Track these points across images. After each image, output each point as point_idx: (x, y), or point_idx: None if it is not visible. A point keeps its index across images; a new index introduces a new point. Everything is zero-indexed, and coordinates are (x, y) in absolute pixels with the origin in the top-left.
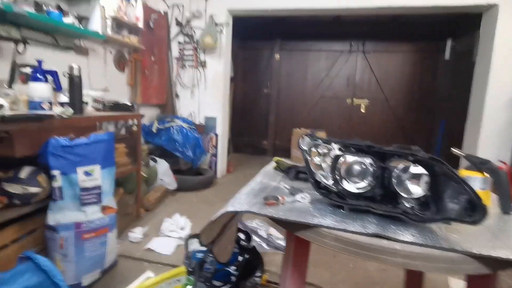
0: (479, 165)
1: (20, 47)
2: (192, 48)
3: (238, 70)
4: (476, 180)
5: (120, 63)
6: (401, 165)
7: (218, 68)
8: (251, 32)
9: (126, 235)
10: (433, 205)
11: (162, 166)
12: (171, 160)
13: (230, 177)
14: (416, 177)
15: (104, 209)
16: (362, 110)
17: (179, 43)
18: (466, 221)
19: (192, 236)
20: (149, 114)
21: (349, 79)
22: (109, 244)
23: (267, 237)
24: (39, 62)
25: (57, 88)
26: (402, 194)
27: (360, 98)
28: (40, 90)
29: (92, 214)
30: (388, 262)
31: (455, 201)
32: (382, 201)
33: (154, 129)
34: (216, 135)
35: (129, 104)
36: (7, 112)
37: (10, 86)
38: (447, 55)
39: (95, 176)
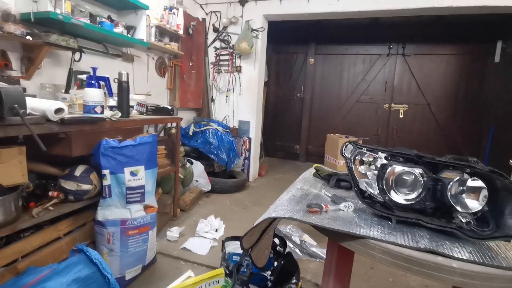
0: None
1: (77, 55)
2: (228, 54)
3: (271, 74)
4: None
5: (161, 69)
6: (457, 178)
7: (253, 73)
8: (285, 36)
9: (164, 234)
10: (492, 221)
11: (198, 168)
12: (206, 162)
13: (262, 180)
14: (473, 190)
15: (146, 208)
16: (401, 116)
17: (216, 48)
18: None
19: (229, 238)
20: (186, 118)
21: (387, 84)
22: (150, 242)
23: (301, 244)
24: (94, 69)
25: (109, 93)
26: (458, 208)
27: (398, 104)
28: (94, 95)
29: (136, 212)
30: (444, 280)
31: None
32: (433, 214)
33: (190, 132)
34: (250, 138)
35: (169, 107)
36: (66, 115)
37: (67, 91)
38: (497, 57)
39: (140, 176)
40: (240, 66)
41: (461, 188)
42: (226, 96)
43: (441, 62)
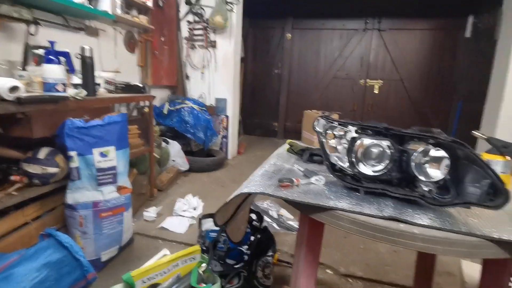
0: (502, 148)
1: (32, 28)
2: (202, 28)
3: (248, 50)
4: (498, 164)
5: (130, 44)
6: (421, 148)
7: (229, 48)
8: (261, 10)
9: (141, 214)
10: (453, 189)
11: (174, 148)
12: (183, 141)
13: (241, 158)
14: (436, 160)
15: (119, 189)
16: (376, 92)
17: (189, 22)
18: (488, 205)
19: (205, 216)
20: (160, 96)
21: (363, 59)
22: (125, 223)
23: (278, 218)
24: (52, 43)
25: (70, 69)
26: (421, 177)
27: (374, 79)
28: (54, 71)
29: (109, 193)
30: (407, 245)
31: (476, 185)
32: (399, 184)
33: (165, 111)
34: (227, 116)
35: (140, 85)
36: (22, 93)
37: (23, 68)
38: (467, 32)
39: (110, 157)
40: (215, 41)
41: (425, 158)
42: (202, 73)
43: (415, 37)
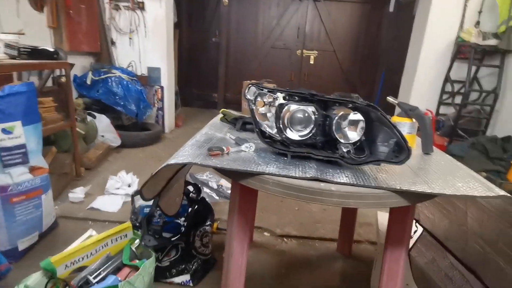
0: (408, 111)
1: None
2: None
3: (183, 15)
4: (406, 126)
5: (36, 1)
6: (341, 112)
7: (159, 11)
8: None
9: (66, 196)
10: (367, 149)
11: (102, 122)
12: (113, 115)
13: (179, 131)
14: (353, 123)
15: (32, 169)
16: (311, 62)
17: None
18: (393, 161)
19: (138, 192)
20: (81, 64)
21: (299, 29)
22: (45, 206)
23: (218, 188)
24: None
25: None
26: (341, 139)
27: (309, 50)
28: None
29: (19, 176)
30: (325, 202)
31: (385, 144)
32: (323, 147)
33: (88, 81)
34: (162, 87)
35: (51, 50)
36: None
37: None
38: (391, 7)
39: (17, 133)
40: (142, 3)
41: (344, 122)
42: (130, 38)
43: (346, 9)
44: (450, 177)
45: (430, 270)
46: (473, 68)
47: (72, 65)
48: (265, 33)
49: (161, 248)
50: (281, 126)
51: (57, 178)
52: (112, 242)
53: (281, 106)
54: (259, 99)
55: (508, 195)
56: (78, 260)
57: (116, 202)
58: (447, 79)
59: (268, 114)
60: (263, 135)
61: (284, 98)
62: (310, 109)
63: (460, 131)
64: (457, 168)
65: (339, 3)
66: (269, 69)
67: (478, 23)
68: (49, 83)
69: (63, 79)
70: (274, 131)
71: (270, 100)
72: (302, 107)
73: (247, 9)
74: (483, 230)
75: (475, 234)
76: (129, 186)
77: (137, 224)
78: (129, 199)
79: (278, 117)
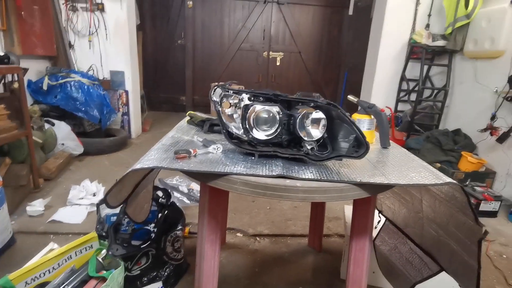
0: (367, 108)
1: None
2: None
3: (146, 17)
4: (365, 122)
5: None
6: (304, 111)
7: (120, 13)
8: None
9: (23, 210)
10: (329, 145)
11: (62, 129)
12: (73, 121)
13: (147, 136)
14: (316, 121)
15: None
16: (278, 63)
17: None
18: (353, 156)
19: (104, 200)
20: (36, 68)
21: (265, 31)
22: None
23: (188, 192)
24: None
25: None
26: (304, 137)
27: (275, 51)
28: None
29: None
30: (291, 198)
31: (346, 140)
32: (288, 146)
33: (44, 86)
34: (126, 91)
35: (1, 54)
36: None
37: None
38: (350, 10)
39: None
40: (102, 4)
41: (307, 120)
42: (89, 41)
43: (309, 12)
44: (404, 168)
45: (393, 256)
46: (425, 67)
47: (25, 70)
48: (231, 35)
49: (131, 257)
50: (247, 126)
51: (12, 191)
52: (76, 255)
53: (246, 107)
54: (225, 100)
55: (454, 181)
56: (40, 275)
57: (80, 213)
58: (403, 78)
59: (235, 115)
60: (230, 136)
61: (249, 99)
62: (275, 109)
63: (417, 126)
64: (411, 160)
65: (302, 6)
66: (236, 70)
67: (428, 25)
68: (0, 89)
69: (16, 85)
70: (241, 132)
71: (236, 101)
72: (267, 107)
73: (212, 12)
74: (436, 215)
75: (429, 220)
76: (94, 195)
77: (104, 234)
78: (94, 209)
79: (244, 117)
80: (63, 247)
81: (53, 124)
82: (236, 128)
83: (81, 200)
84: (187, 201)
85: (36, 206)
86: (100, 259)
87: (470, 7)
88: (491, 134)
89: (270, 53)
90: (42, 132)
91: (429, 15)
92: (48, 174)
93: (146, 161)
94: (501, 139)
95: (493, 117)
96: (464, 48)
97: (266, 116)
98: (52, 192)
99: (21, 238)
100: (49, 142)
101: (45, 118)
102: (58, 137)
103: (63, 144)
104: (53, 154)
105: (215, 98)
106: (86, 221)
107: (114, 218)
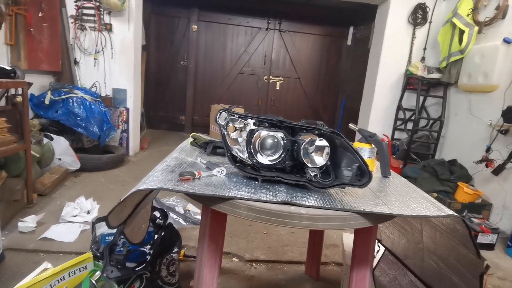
0: (368, 137)
1: None
2: (94, 7)
3: (151, 38)
4: (366, 151)
5: None
6: (308, 139)
7: (127, 34)
8: None
9: (15, 225)
10: (332, 173)
11: (60, 144)
12: (72, 137)
13: (144, 154)
14: (319, 149)
15: None
16: (277, 88)
17: None
18: (356, 185)
19: (100, 219)
20: (39, 83)
21: (266, 57)
22: None
23: (185, 213)
24: None
25: None
26: (308, 164)
27: (276, 76)
28: None
29: None
30: (295, 225)
31: (349, 168)
32: (292, 171)
33: (47, 101)
34: (127, 108)
35: (8, 68)
36: None
37: None
38: (349, 40)
39: None
40: (110, 24)
41: (311, 147)
42: (95, 59)
43: (309, 41)
44: (406, 198)
45: None
46: (421, 98)
47: (30, 84)
48: (233, 58)
49: (124, 280)
50: (252, 151)
51: (5, 205)
52: (70, 276)
53: (252, 131)
54: (230, 124)
55: (456, 214)
56: None
57: (72, 231)
58: (399, 107)
59: (239, 139)
60: (234, 159)
61: (254, 124)
62: (279, 135)
63: (413, 154)
64: (412, 190)
65: (303, 34)
66: (237, 93)
67: (423, 58)
68: (2, 102)
69: (19, 99)
70: (245, 156)
71: (241, 125)
72: (272, 133)
73: (216, 36)
74: (437, 247)
75: (430, 251)
76: (88, 213)
77: (98, 254)
78: (88, 227)
79: (249, 142)
80: (57, 267)
81: (51, 139)
82: (240, 151)
83: (75, 218)
84: (183, 223)
85: (28, 222)
86: (93, 281)
87: (463, 43)
88: (487, 166)
89: (270, 77)
90: (40, 146)
91: (425, 49)
92: (43, 189)
93: (151, 181)
94: (497, 171)
95: (488, 149)
96: (459, 81)
97: (271, 141)
98: (45, 208)
99: (10, 255)
100: (46, 157)
101: (44, 132)
102: (55, 152)
103: (60, 159)
104: (49, 168)
105: (221, 121)
106: (78, 240)
107: (110, 238)
